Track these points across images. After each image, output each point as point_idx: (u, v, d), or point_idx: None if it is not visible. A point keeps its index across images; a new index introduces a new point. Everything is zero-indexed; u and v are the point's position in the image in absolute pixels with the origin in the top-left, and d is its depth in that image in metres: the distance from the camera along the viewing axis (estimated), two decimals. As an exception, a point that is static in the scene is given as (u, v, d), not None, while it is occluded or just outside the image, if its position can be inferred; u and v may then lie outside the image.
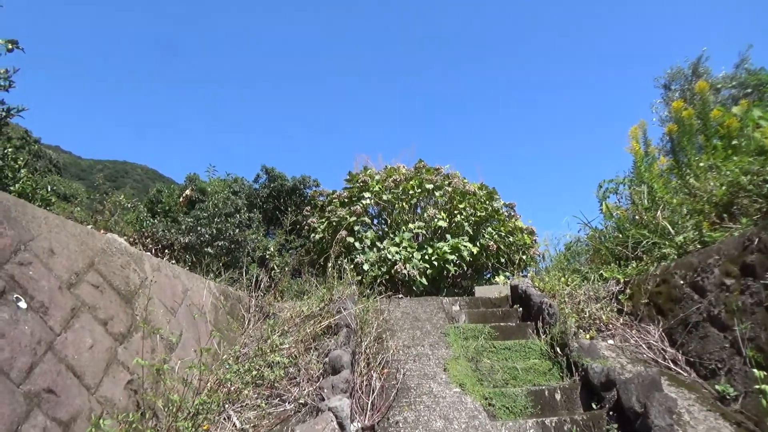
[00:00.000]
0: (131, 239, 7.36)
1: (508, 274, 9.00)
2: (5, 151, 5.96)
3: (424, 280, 8.67)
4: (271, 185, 14.45)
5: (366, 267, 8.49)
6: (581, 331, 5.33)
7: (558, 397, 4.43)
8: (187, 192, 12.67)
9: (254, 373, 4.32)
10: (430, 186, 10.06)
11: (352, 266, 7.69)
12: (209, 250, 8.34)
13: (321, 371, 4.42)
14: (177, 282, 4.76)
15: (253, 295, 6.24)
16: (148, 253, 4.75)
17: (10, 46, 4.72)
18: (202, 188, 14.11)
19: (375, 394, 4.23)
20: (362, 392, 4.26)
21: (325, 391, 3.96)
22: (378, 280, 7.62)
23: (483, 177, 12.16)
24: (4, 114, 4.98)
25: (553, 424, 3.94)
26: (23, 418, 2.51)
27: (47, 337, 2.88)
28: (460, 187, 10.05)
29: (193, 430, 3.40)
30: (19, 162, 6.21)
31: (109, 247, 3.93)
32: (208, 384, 4.06)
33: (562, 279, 6.52)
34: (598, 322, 5.59)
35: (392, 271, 8.49)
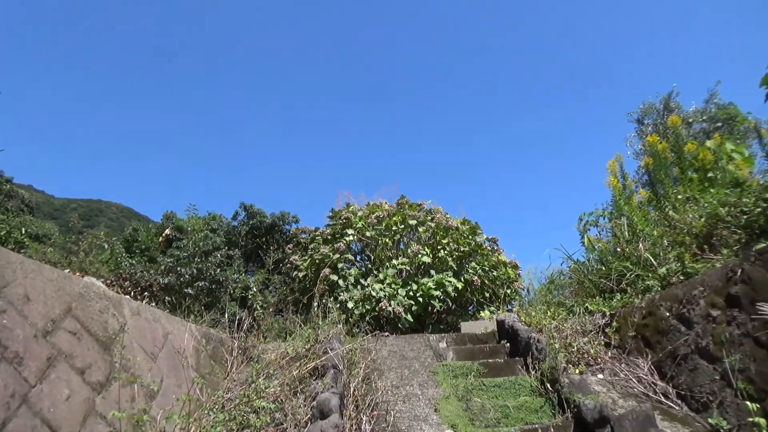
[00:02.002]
0: (108, 281, 7.16)
1: (493, 309, 8.95)
2: (-23, 194, 5.80)
3: (409, 317, 8.56)
4: (250, 222, 14.27)
5: (350, 305, 8.36)
6: (570, 365, 5.27)
7: (552, 435, 4.34)
8: (166, 232, 12.46)
9: (239, 419, 4.14)
10: (413, 222, 10.05)
11: (337, 305, 7.56)
12: (189, 290, 8.14)
13: (309, 416, 4.26)
14: (157, 326, 4.60)
15: (235, 336, 6.05)
16: (128, 297, 4.60)
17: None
18: (180, 226, 13.89)
19: (365, 438, 4.09)
20: (352, 437, 4.12)
21: (314, 437, 3.81)
22: (364, 318, 7.50)
23: (465, 212, 12.21)
24: (-22, 156, 4.86)
25: (550, 465, 3.85)
26: (-6, 480, 2.34)
27: (21, 389, 2.72)
28: (443, 222, 10.06)
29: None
30: (-8, 205, 6.04)
31: (87, 291, 3.79)
32: (191, 434, 3.87)
33: (548, 313, 6.48)
34: (586, 356, 5.55)
35: (377, 309, 8.37)
